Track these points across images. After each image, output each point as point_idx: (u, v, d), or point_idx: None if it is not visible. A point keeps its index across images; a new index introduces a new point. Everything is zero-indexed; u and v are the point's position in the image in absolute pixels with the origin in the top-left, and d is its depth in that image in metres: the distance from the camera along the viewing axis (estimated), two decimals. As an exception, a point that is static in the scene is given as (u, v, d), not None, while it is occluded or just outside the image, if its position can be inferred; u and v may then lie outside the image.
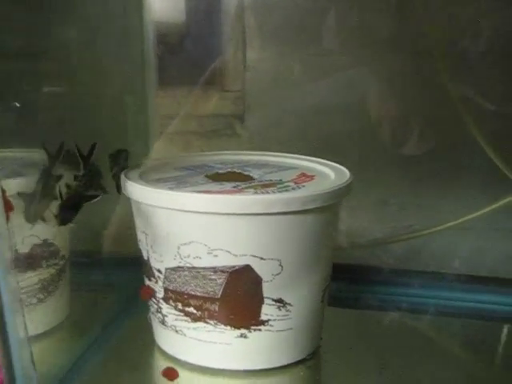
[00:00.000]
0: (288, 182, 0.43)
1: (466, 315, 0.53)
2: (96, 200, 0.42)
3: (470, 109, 0.55)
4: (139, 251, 0.45)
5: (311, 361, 0.44)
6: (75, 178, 0.43)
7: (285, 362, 0.43)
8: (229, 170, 0.47)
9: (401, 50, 0.60)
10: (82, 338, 0.46)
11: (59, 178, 0.41)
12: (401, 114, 0.61)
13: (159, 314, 0.44)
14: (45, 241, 0.45)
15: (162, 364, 0.45)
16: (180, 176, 0.45)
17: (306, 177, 0.45)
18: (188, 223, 0.40)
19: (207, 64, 0.67)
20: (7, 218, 0.33)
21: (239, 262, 0.40)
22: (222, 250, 0.40)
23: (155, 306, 0.44)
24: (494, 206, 0.55)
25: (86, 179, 0.41)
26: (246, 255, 0.40)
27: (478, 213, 0.56)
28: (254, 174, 0.46)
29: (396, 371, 0.44)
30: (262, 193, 0.40)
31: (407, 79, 0.60)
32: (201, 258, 0.40)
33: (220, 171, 0.47)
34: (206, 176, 0.45)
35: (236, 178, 0.45)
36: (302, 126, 0.64)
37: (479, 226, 0.57)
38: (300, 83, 0.64)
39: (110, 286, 0.52)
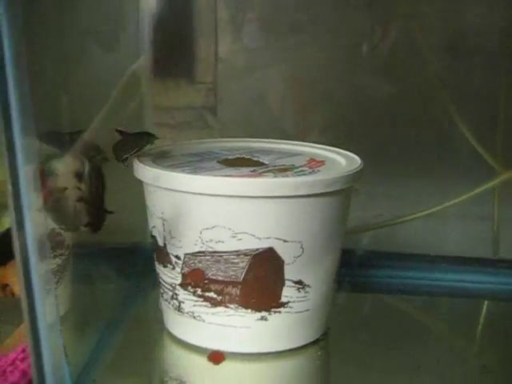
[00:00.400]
0: (301, 166, 0.44)
1: (450, 294, 0.56)
2: None
3: (452, 96, 0.58)
4: (152, 238, 0.45)
5: (324, 341, 0.46)
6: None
7: (301, 343, 0.44)
8: (237, 156, 0.47)
9: (377, 44, 0.62)
10: (89, 330, 0.45)
11: None
12: (377, 102, 0.62)
13: (174, 301, 0.44)
14: (52, 230, 0.44)
15: (173, 350, 0.45)
16: (191, 162, 0.45)
17: (316, 162, 0.46)
18: (213, 207, 0.40)
19: (179, 56, 0.67)
20: (45, 199, 0.32)
21: (263, 244, 0.40)
22: (246, 233, 0.40)
23: (170, 293, 0.44)
24: (476, 192, 0.58)
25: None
26: (269, 238, 0.40)
27: (459, 199, 0.59)
28: (264, 159, 0.46)
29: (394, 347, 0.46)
30: (283, 176, 0.41)
31: (385, 70, 0.62)
32: (224, 241, 0.40)
33: (229, 157, 0.47)
34: (218, 162, 0.45)
35: (249, 164, 0.45)
36: (273, 118, 0.65)
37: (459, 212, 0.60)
38: (272, 76, 0.65)
39: (111, 277, 0.51)
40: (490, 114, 0.57)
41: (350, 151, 0.48)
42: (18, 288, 0.61)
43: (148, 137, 0.45)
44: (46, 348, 0.34)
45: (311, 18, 0.63)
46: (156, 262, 0.45)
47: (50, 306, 0.34)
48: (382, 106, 0.61)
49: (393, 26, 0.61)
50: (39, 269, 0.33)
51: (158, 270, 0.45)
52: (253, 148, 0.50)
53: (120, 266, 0.52)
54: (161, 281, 0.45)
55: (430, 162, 0.60)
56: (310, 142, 0.52)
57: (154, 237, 0.44)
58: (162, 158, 0.46)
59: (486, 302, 0.55)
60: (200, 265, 0.41)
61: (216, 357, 0.40)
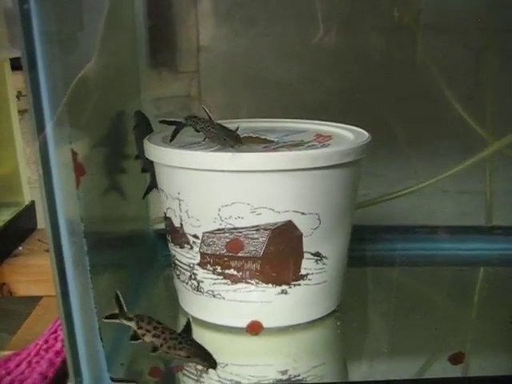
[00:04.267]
0: (311, 141, 0.45)
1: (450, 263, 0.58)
2: None
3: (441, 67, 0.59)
4: (167, 220, 0.45)
5: (340, 312, 0.47)
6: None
7: (321, 315, 0.45)
8: (245, 135, 0.47)
9: (361, 26, 0.63)
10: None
11: None
12: (363, 83, 0.63)
13: (193, 281, 0.44)
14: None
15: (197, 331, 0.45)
16: (200, 142, 0.45)
17: (324, 137, 0.46)
18: (232, 183, 0.40)
19: (160, 46, 0.66)
20: (78, 183, 0.32)
21: (282, 218, 0.41)
22: (265, 207, 0.40)
23: (187, 274, 0.44)
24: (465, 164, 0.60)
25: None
26: (288, 211, 0.41)
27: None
28: (271, 137, 0.47)
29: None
30: (297, 150, 0.42)
31: (373, 53, 0.63)
32: (243, 217, 0.41)
33: (236, 136, 0.47)
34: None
35: (258, 141, 0.46)
36: (259, 104, 0.65)
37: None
38: (254, 62, 0.65)
39: (120, 264, 0.50)
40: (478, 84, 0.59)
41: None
42: (16, 287, 0.61)
43: (234, 141, 0.40)
44: (80, 333, 0.34)
45: (292, 5, 0.63)
46: (171, 244, 0.45)
47: (84, 289, 0.34)
48: (367, 85, 0.62)
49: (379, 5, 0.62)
50: (72, 253, 0.33)
51: (173, 252, 0.45)
52: (257, 127, 0.50)
53: (127, 253, 0.51)
54: (177, 262, 0.45)
55: (419, 135, 0.62)
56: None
57: (168, 218, 0.44)
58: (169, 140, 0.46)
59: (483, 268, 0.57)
60: (219, 242, 0.42)
61: (254, 327, 0.41)
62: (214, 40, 0.65)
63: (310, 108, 0.64)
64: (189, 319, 0.35)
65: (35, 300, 0.58)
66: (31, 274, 0.61)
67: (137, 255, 0.54)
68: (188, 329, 0.35)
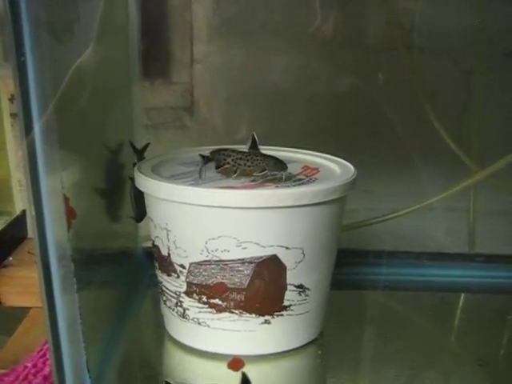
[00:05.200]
0: (298, 174, 0.46)
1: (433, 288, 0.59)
2: None
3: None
4: (155, 248, 0.46)
5: (321, 340, 0.48)
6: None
7: (302, 343, 0.46)
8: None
9: (355, 45, 0.64)
10: (95, 338, 0.46)
11: None
12: (353, 102, 0.64)
13: (179, 308, 0.45)
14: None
15: (177, 355, 0.46)
16: (191, 172, 0.46)
17: (311, 169, 0.48)
18: (219, 218, 0.41)
19: (155, 56, 0.67)
20: (69, 226, 0.33)
21: (266, 252, 0.42)
22: (251, 242, 0.42)
23: (174, 301, 0.45)
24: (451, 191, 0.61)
25: None
26: (273, 246, 0.42)
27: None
28: (260, 167, 0.48)
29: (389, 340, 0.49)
30: (283, 186, 0.43)
31: (362, 73, 0.64)
32: (229, 251, 0.42)
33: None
34: (219, 172, 0.46)
35: (248, 173, 0.47)
36: (251, 118, 0.66)
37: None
38: (248, 75, 0.66)
39: (108, 284, 0.51)
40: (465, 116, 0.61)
41: (328, 151, 0.51)
42: (7, 297, 0.62)
43: (281, 167, 0.45)
44: (68, 366, 0.35)
45: (286, 19, 0.64)
46: (158, 271, 0.46)
47: (71, 316, 0.35)
48: (357, 105, 0.63)
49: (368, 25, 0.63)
50: (60, 276, 0.34)
51: (160, 279, 0.46)
52: (247, 155, 0.51)
53: (115, 271, 0.52)
54: (164, 289, 0.46)
55: (407, 163, 0.63)
56: (288, 142, 0.53)
57: (156, 246, 0.45)
58: (161, 168, 0.47)
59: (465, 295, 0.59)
60: (205, 273, 0.43)
61: (236, 364, 0.42)
62: (209, 51, 0.66)
63: (303, 122, 0.65)
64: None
65: (24, 311, 0.59)
66: (20, 285, 0.62)
67: (125, 273, 0.56)
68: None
